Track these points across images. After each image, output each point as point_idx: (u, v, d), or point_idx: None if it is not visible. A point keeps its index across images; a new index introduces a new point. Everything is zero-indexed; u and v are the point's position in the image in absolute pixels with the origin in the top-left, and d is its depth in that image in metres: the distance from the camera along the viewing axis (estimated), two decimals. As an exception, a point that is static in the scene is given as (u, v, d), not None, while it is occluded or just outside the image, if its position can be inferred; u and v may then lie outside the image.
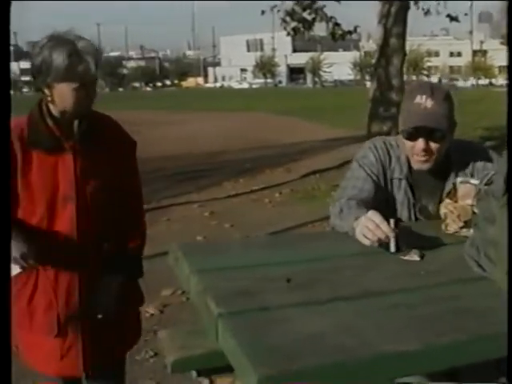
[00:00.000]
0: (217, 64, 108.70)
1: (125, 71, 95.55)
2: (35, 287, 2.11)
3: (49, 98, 2.06)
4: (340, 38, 10.82)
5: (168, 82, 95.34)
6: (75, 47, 2.02)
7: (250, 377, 1.11)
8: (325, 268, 1.69)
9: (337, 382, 1.17)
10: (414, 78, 64.24)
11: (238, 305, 1.41)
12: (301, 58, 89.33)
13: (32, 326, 2.14)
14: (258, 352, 1.18)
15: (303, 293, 1.50)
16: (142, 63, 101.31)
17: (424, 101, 2.11)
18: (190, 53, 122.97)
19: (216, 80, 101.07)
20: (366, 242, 1.82)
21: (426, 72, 79.56)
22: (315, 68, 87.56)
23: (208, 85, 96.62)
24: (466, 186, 1.96)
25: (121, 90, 78.22)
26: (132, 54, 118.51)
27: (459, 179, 2.02)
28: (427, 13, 10.60)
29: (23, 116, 2.12)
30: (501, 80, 75.71)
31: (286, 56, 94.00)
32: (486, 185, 1.73)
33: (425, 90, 2.16)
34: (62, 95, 2.04)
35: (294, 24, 10.85)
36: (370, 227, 1.80)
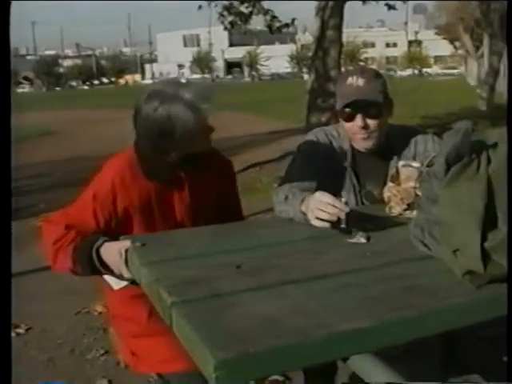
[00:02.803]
0: (154, 60, 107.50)
1: (61, 70, 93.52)
2: None
3: (168, 150, 2.05)
4: (277, 31, 10.85)
5: (105, 80, 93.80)
6: (191, 104, 1.99)
7: (207, 361, 1.11)
8: (275, 254, 1.70)
9: (294, 363, 1.19)
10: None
11: (190, 293, 1.41)
12: (238, 52, 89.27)
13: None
14: (214, 337, 1.18)
15: (254, 278, 1.51)
16: (79, 61, 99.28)
17: (355, 80, 2.18)
18: (126, 50, 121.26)
19: (153, 77, 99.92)
20: (320, 224, 1.84)
21: (362, 63, 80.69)
22: (252, 62, 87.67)
23: (145, 81, 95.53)
24: (408, 169, 2.01)
25: (58, 89, 76.54)
26: (68, 52, 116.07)
27: (401, 162, 2.07)
28: (365, 1, 10.72)
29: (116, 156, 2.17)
30: (437, 70, 77.55)
31: (223, 50, 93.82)
32: (427, 167, 1.77)
33: (354, 71, 2.26)
34: (189, 145, 2.05)
35: (231, 18, 10.83)
36: (323, 207, 1.82)
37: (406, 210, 1.99)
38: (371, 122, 2.19)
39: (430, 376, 2.45)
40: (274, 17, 10.72)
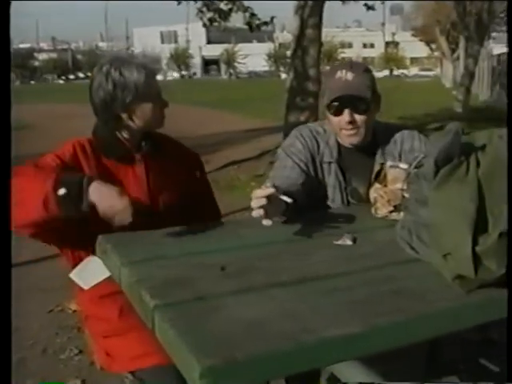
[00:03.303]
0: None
1: (36, 63, 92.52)
2: None
3: (124, 117, 2.09)
4: (256, 29, 10.82)
5: (81, 75, 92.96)
6: (143, 65, 2.10)
7: (192, 368, 1.06)
8: (259, 255, 1.66)
9: (282, 370, 1.15)
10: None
11: (173, 295, 1.36)
12: (215, 50, 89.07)
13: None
14: (199, 342, 1.13)
15: (239, 280, 1.46)
16: (54, 55, 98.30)
17: (344, 74, 2.16)
18: (102, 44, 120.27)
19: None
20: (254, 214, 1.67)
21: (339, 63, 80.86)
22: (230, 59, 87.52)
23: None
24: (396, 171, 1.98)
25: (32, 82, 75.71)
26: (43, 45, 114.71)
27: (389, 163, 2.04)
28: (344, 2, 10.73)
29: (74, 139, 2.17)
30: (413, 71, 78.13)
31: (201, 48, 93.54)
32: (416, 168, 1.74)
33: (343, 65, 2.23)
34: (143, 114, 2.10)
35: (210, 14, 10.78)
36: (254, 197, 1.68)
37: (392, 211, 1.96)
38: (358, 118, 2.16)
39: (409, 376, 2.43)
40: (253, 14, 10.70)
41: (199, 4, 10.70)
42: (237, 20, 12.00)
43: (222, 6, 10.66)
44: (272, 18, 10.94)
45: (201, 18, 10.91)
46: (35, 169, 1.96)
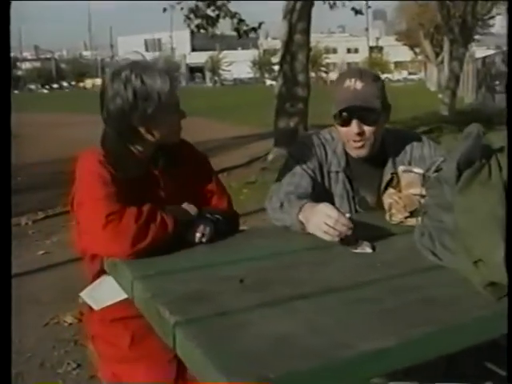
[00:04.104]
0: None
1: (19, 73, 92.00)
2: None
3: (142, 130, 1.89)
4: (245, 35, 10.80)
5: (65, 84, 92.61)
6: (166, 71, 1.86)
7: (223, 389, 1.00)
8: (277, 265, 1.60)
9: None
10: (313, 74, 65.52)
11: (194, 311, 1.29)
12: (200, 57, 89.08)
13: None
14: (228, 361, 1.07)
15: (260, 293, 1.40)
16: (37, 64, 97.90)
17: (353, 83, 2.07)
18: (86, 53, 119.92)
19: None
20: (327, 238, 1.74)
21: (324, 68, 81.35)
22: (214, 67, 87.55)
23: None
24: (410, 175, 1.92)
25: (16, 92, 75.28)
26: (26, 54, 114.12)
27: (402, 168, 1.98)
28: (333, 6, 10.75)
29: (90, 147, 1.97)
30: (396, 75, 78.57)
31: (185, 55, 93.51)
32: (435, 172, 1.68)
33: (353, 73, 2.13)
34: (163, 126, 1.90)
35: (197, 21, 10.73)
36: (330, 223, 1.72)
37: (407, 217, 1.91)
38: (367, 129, 2.09)
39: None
40: (241, 20, 10.67)
41: (186, 11, 10.66)
42: (224, 26, 11.97)
43: (210, 12, 10.63)
44: (260, 24, 10.94)
45: (188, 25, 10.87)
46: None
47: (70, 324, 4.00)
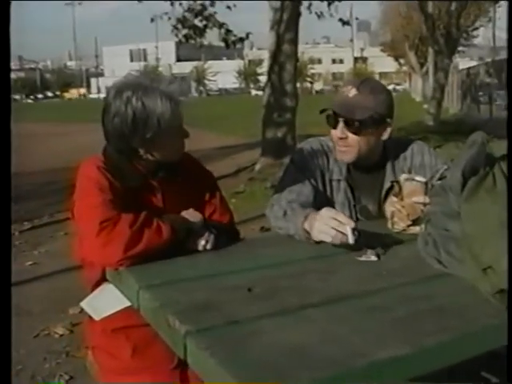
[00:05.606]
0: (100, 74, 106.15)
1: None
2: None
3: (141, 151, 1.90)
4: (232, 45, 10.81)
5: (50, 94, 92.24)
6: (169, 94, 1.84)
7: (242, 400, 0.99)
8: (283, 274, 1.59)
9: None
10: (299, 84, 65.85)
11: (204, 320, 1.28)
12: (185, 67, 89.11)
13: None
14: (244, 371, 1.06)
15: (269, 302, 1.39)
16: (22, 74, 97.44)
17: (348, 90, 2.09)
18: (71, 63, 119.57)
19: (99, 91, 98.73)
20: (328, 239, 1.73)
21: (309, 79, 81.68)
22: (200, 77, 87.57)
23: (91, 96, 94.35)
24: (412, 184, 1.92)
25: None
26: (10, 64, 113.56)
27: (404, 176, 1.98)
28: (320, 16, 10.80)
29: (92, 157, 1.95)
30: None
31: (170, 65, 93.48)
32: (439, 180, 1.69)
33: (355, 81, 2.16)
34: (163, 148, 1.91)
35: (185, 31, 10.74)
36: (335, 225, 1.71)
37: (410, 225, 1.91)
38: (351, 136, 2.10)
39: None
40: (228, 30, 10.69)
41: (174, 21, 10.67)
42: (211, 36, 11.97)
43: (197, 22, 10.64)
44: (247, 34, 10.96)
45: (176, 35, 10.86)
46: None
47: (61, 335, 3.95)
